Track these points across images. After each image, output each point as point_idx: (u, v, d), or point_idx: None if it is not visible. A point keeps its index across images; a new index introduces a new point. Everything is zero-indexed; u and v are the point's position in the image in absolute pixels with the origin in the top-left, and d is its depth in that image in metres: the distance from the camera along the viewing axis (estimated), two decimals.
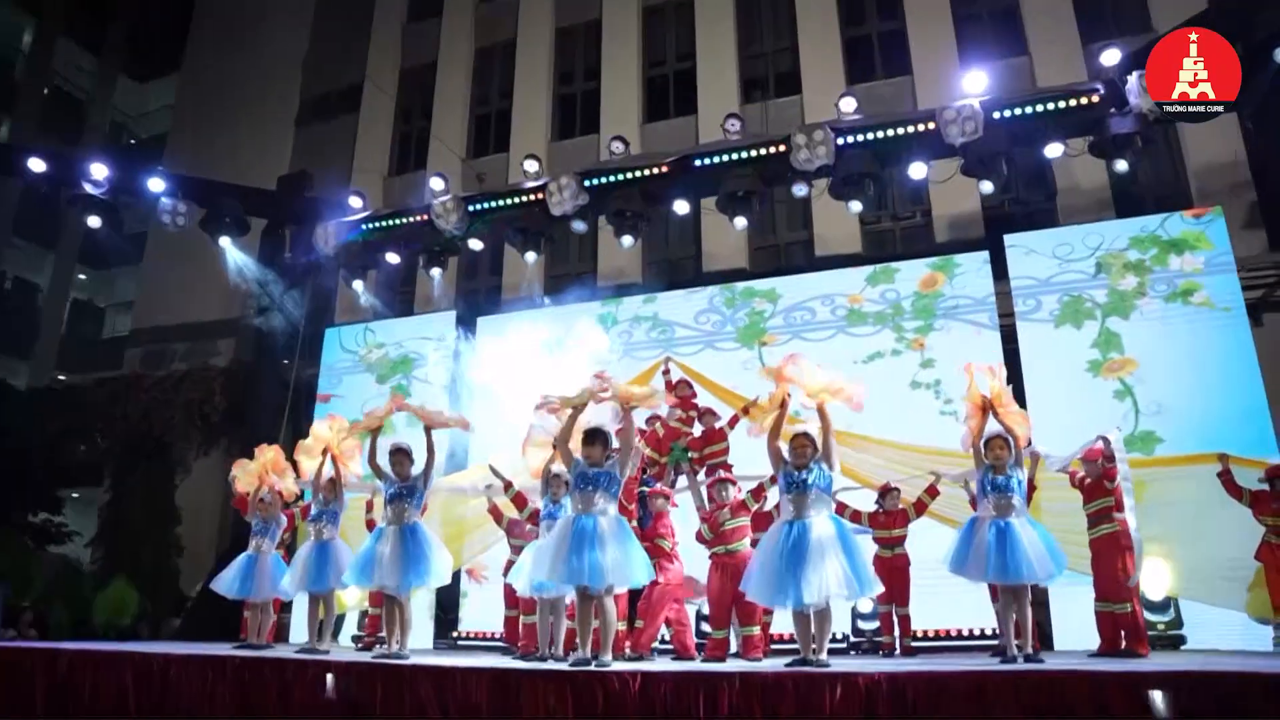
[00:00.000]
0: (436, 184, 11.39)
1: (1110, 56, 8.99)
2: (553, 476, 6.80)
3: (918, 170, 9.68)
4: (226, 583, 7.99)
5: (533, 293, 11.27)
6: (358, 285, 11.98)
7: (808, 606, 5.49)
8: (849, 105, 9.90)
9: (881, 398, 10.10)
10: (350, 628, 11.04)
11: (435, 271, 11.59)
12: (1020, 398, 9.77)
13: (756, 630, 7.04)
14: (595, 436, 5.95)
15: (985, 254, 10.20)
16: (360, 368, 12.27)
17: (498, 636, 9.80)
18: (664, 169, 10.43)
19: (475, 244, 11.39)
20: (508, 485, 7.92)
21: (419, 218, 11.40)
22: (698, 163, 10.26)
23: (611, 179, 10.59)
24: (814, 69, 14.44)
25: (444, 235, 11.28)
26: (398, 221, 11.57)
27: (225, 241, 11.68)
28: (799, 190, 10.05)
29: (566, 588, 5.91)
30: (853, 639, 9.08)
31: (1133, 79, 8.75)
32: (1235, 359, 8.80)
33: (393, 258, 11.76)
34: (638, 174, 10.51)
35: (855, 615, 9.08)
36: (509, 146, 16.08)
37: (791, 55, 14.92)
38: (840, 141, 9.67)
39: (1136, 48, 9.04)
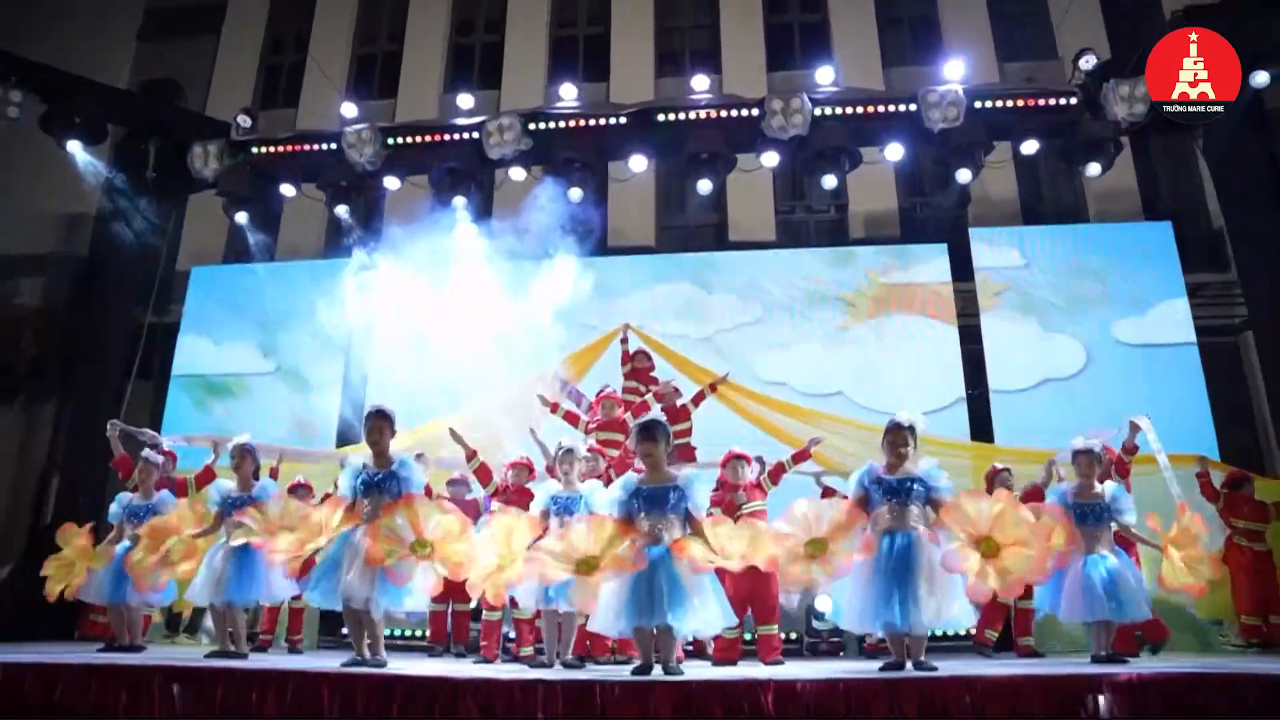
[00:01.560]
0: (349, 110, 9.62)
1: (1087, 62, 8.79)
2: (565, 452, 5.45)
3: (894, 151, 9.10)
4: (96, 587, 6.00)
5: (450, 242, 9.67)
6: (242, 218, 9.89)
7: (913, 628, 4.52)
8: (826, 76, 9.18)
9: (844, 381, 9.76)
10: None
11: (341, 209, 9.74)
12: (985, 395, 9.65)
13: (775, 628, 6.08)
14: (654, 433, 4.55)
15: (944, 246, 9.91)
16: (238, 315, 10.18)
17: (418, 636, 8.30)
18: (622, 121, 9.26)
19: (391, 182, 9.68)
20: (471, 454, 6.49)
21: (325, 146, 9.55)
22: (660, 118, 9.17)
23: (559, 125, 9.29)
24: (734, 50, 13.67)
25: (354, 169, 9.50)
26: (298, 149, 9.64)
27: (75, 146, 9.25)
28: (768, 159, 9.18)
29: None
30: (809, 639, 8.30)
31: (1109, 86, 8.61)
32: (1181, 367, 8.90)
33: (288, 189, 9.81)
34: (591, 123, 9.28)
35: (811, 614, 8.29)
36: (396, 93, 14.20)
37: (710, 34, 14.11)
38: (816, 113, 8.92)
39: (1105, 59, 8.95)
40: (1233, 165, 8.62)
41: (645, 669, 4.32)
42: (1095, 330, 9.54)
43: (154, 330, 10.26)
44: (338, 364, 9.94)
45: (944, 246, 9.99)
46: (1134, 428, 6.66)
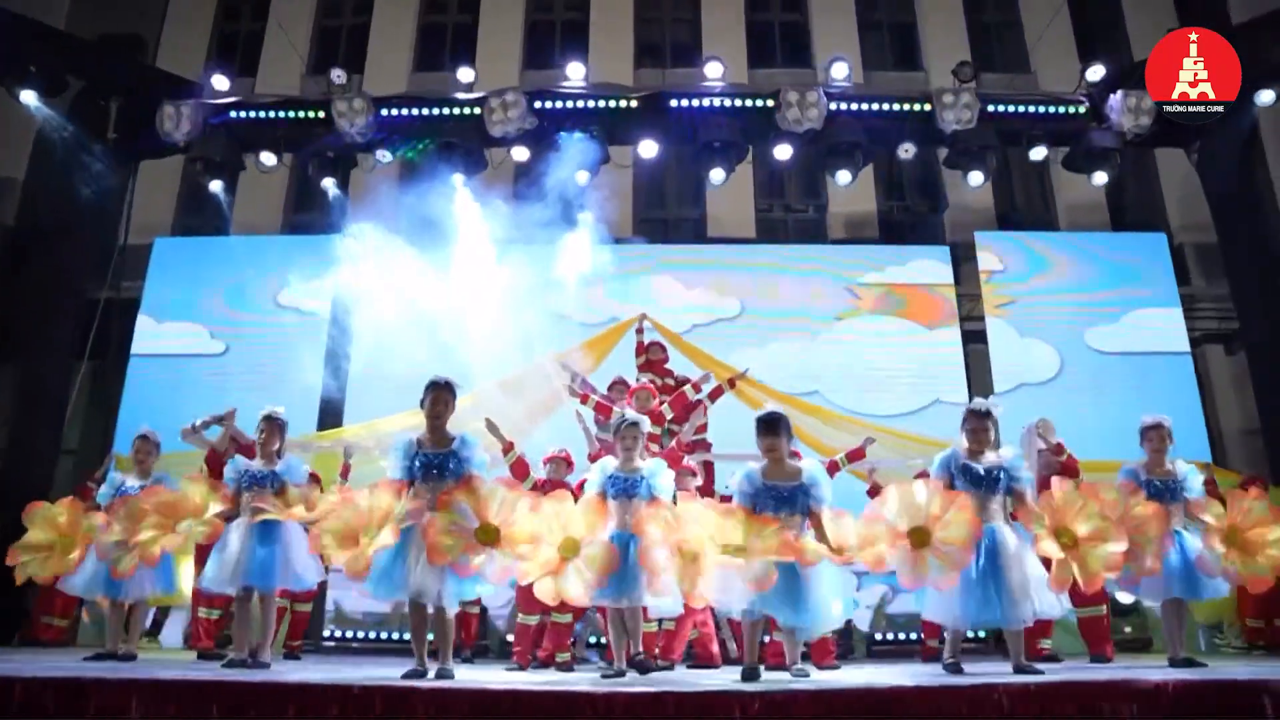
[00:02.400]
0: (338, 76, 8.90)
1: (1094, 73, 8.81)
2: (628, 425, 4.68)
3: (907, 151, 8.94)
4: (87, 580, 5.24)
5: (440, 219, 9.08)
6: (216, 186, 9.03)
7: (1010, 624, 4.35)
8: (840, 71, 8.95)
9: (819, 380, 9.59)
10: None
11: (328, 183, 8.99)
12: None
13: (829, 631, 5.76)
14: (777, 426, 4.35)
15: (946, 249, 9.85)
16: (204, 290, 9.32)
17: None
18: (632, 104, 8.84)
19: (383, 155, 9.00)
20: (508, 447, 5.98)
21: (312, 114, 8.83)
22: (673, 103, 8.79)
23: (567, 105, 8.81)
24: (715, 45, 13.36)
25: (343, 140, 8.80)
26: (281, 115, 8.88)
27: (30, 97, 8.25)
28: (782, 152, 8.90)
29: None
30: None
31: (1115, 98, 8.63)
32: (1176, 374, 9.02)
33: (268, 158, 9.02)
34: (600, 105, 8.83)
35: None
36: (362, 69, 13.34)
37: (691, 27, 13.81)
38: (832, 107, 8.69)
39: (1122, 67, 8.99)
40: (1227, 180, 8.75)
41: (753, 672, 4.05)
42: (1070, 337, 9.61)
43: (107, 306, 9.26)
44: (316, 341, 9.20)
45: (925, 249, 9.97)
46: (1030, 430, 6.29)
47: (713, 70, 8.94)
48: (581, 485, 6.31)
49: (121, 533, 4.93)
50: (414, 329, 8.50)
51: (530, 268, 9.10)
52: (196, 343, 9.36)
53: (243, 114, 8.81)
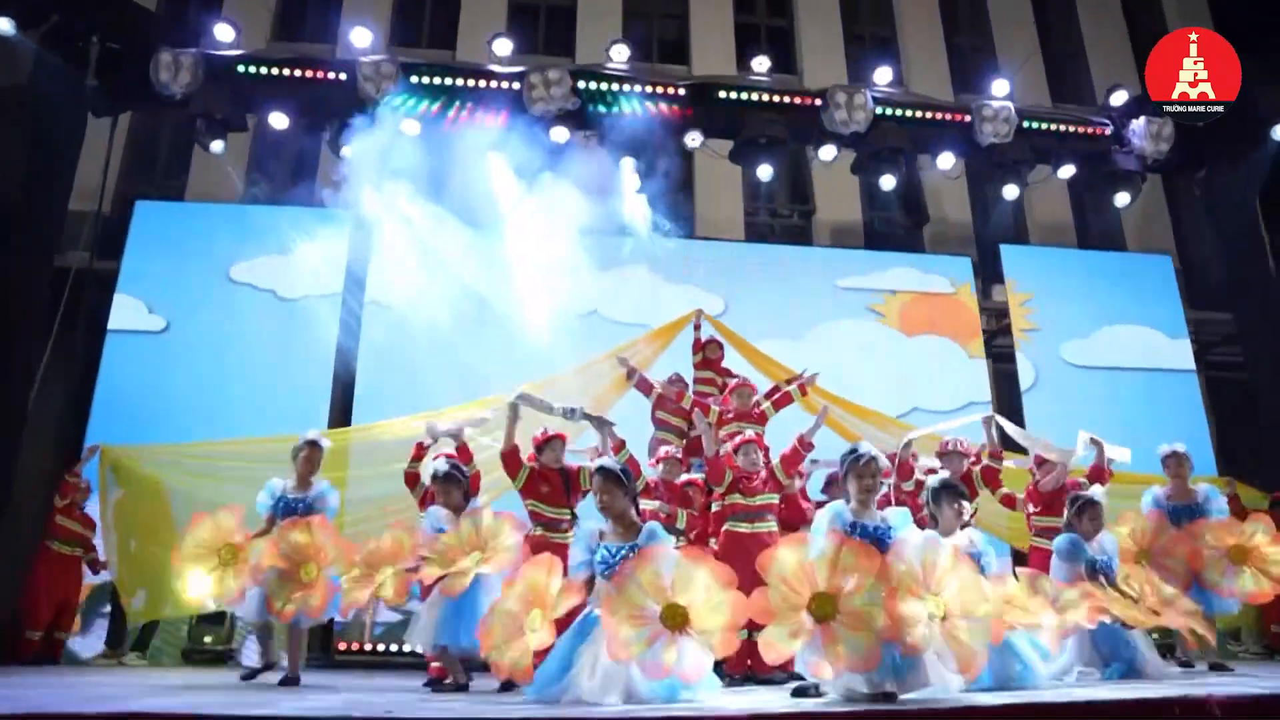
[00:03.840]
0: (362, 37, 8.00)
1: (1118, 98, 8.96)
2: (866, 461, 3.69)
3: (946, 160, 8.83)
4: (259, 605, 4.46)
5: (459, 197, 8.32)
6: (217, 146, 7.92)
7: None
8: (884, 77, 8.75)
9: (830, 383, 9.34)
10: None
11: (347, 150, 8.02)
12: (1017, 414, 9.54)
13: None
14: (959, 494, 4.23)
15: (968, 260, 9.79)
16: (193, 261, 8.15)
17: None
18: (679, 92, 8.34)
19: (411, 127, 8.12)
20: (619, 446, 5.39)
21: (332, 75, 7.88)
22: (721, 95, 8.35)
23: (612, 88, 8.23)
24: (704, 44, 13.04)
25: (365, 105, 7.90)
26: (295, 74, 7.88)
27: (5, 25, 6.95)
28: (826, 153, 8.61)
29: None
30: None
31: (1139, 123, 8.78)
32: (1182, 392, 9.26)
33: (279, 119, 7.97)
34: (646, 90, 8.29)
35: None
36: (334, 39, 12.26)
37: (677, 24, 13.40)
38: (878, 111, 8.48)
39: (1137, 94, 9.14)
40: (1233, 208, 9.07)
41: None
42: (1045, 351, 9.75)
43: (63, 276, 7.92)
44: (323, 320, 8.22)
45: (912, 257, 10.07)
46: (988, 424, 5.97)
47: (759, 65, 8.55)
48: (685, 485, 5.81)
49: (282, 563, 4.21)
50: (429, 306, 7.75)
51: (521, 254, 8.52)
52: (183, 317, 8.20)
53: (252, 69, 7.74)
